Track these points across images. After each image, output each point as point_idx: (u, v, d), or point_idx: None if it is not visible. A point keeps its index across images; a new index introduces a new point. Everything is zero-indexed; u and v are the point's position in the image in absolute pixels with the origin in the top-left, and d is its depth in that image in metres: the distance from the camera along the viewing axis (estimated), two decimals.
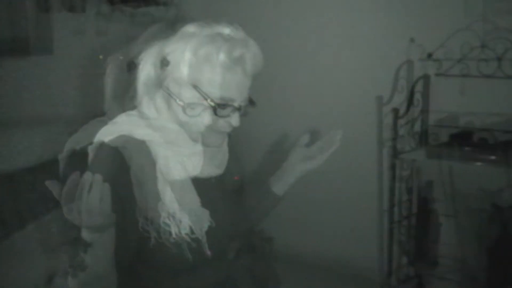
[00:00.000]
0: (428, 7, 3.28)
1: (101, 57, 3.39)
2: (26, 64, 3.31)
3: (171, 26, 1.51)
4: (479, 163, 2.96)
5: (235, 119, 1.45)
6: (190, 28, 1.45)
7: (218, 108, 1.41)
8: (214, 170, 1.53)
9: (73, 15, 3.50)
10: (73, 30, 3.52)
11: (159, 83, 1.48)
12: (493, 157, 2.94)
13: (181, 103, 1.43)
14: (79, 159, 1.55)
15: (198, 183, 1.47)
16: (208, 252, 1.45)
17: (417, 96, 3.35)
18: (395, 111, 3.24)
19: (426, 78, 3.34)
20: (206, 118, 1.44)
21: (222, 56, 1.38)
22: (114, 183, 1.36)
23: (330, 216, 3.87)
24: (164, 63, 1.44)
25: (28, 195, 2.90)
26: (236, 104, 1.44)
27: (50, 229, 2.74)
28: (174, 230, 1.41)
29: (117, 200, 1.38)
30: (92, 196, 1.30)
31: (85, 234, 1.34)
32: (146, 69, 1.51)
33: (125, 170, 1.42)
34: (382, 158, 3.33)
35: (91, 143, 1.44)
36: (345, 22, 3.60)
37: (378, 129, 3.28)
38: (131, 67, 1.45)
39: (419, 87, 3.35)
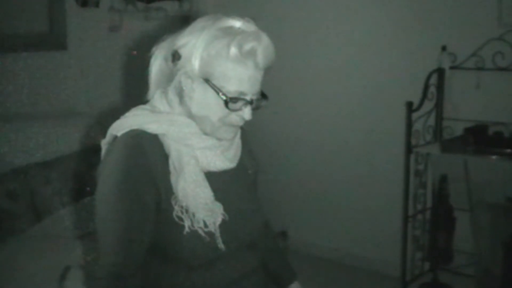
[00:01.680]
0: (461, 16, 3.27)
1: (134, 52, 3.42)
2: (40, 59, 3.33)
3: (184, 20, 1.51)
4: (494, 157, 2.95)
5: (247, 113, 1.45)
6: (201, 21, 1.44)
7: (230, 102, 1.41)
8: (227, 163, 1.52)
9: (87, 10, 3.52)
10: (87, 25, 3.53)
11: (171, 77, 1.48)
12: (508, 151, 2.92)
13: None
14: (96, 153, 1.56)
15: (211, 177, 1.47)
16: (222, 246, 1.45)
17: (432, 89, 3.33)
18: (409, 104, 3.23)
19: (440, 71, 3.32)
20: (218, 111, 1.44)
21: (233, 50, 1.38)
22: (147, 172, 1.40)
23: (346, 211, 3.87)
24: (175, 57, 1.44)
25: (44, 189, 2.93)
26: (248, 98, 1.43)
27: (65, 223, 2.76)
28: (187, 223, 1.42)
29: (150, 188, 1.40)
30: None
31: None
32: (157, 63, 1.52)
33: (164, 158, 1.44)
34: (409, 164, 3.30)
35: (132, 130, 1.45)
36: (378, 28, 3.61)
37: (407, 135, 3.25)
38: (176, 57, 1.45)
39: (433, 81, 3.34)
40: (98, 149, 1.54)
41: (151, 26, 3.68)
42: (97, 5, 3.56)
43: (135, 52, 3.37)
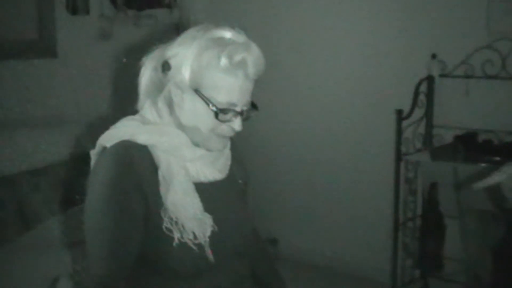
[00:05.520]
0: (450, 25, 3.28)
1: (124, 60, 3.41)
2: (30, 67, 3.32)
3: (175, 28, 1.51)
4: (483, 165, 2.96)
5: (237, 124, 1.44)
6: (191, 32, 1.44)
7: (220, 113, 1.41)
8: (217, 174, 1.52)
9: (77, 17, 3.51)
10: (77, 33, 3.52)
11: (160, 87, 1.48)
12: (497, 158, 2.93)
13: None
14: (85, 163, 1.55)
15: (201, 187, 1.47)
16: (211, 258, 1.44)
17: (421, 97, 3.34)
18: (399, 112, 3.24)
19: (430, 79, 3.33)
20: (208, 122, 1.43)
21: (223, 60, 1.38)
22: (136, 183, 1.40)
23: (336, 218, 3.87)
24: (165, 67, 1.44)
25: (32, 197, 2.91)
26: (238, 109, 1.43)
27: (54, 232, 2.74)
28: (176, 235, 1.41)
29: (139, 199, 1.40)
30: None
31: None
32: (147, 73, 1.51)
33: (153, 170, 1.43)
34: (399, 171, 3.30)
35: (122, 141, 1.44)
36: (368, 36, 3.62)
37: (397, 143, 3.26)
38: (166, 67, 1.45)
39: (423, 88, 3.35)
40: (87, 157, 1.53)
41: (142, 34, 3.67)
42: (87, 12, 3.55)
43: (125, 60, 3.36)
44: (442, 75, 3.30)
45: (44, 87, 3.37)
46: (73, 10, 3.48)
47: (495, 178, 1.62)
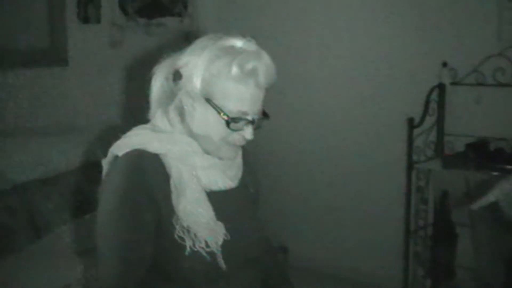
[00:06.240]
0: (461, 32, 3.28)
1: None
2: (41, 75, 3.33)
3: (185, 36, 1.52)
4: (495, 173, 2.94)
5: (248, 132, 1.45)
6: (202, 41, 1.45)
7: (231, 121, 1.41)
8: (229, 182, 1.52)
9: (88, 26, 3.52)
10: (88, 41, 3.54)
11: (172, 96, 1.48)
12: (509, 167, 2.91)
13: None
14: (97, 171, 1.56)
15: (213, 196, 1.47)
16: (223, 266, 1.44)
17: (433, 105, 3.33)
18: (410, 120, 3.23)
19: (441, 87, 3.32)
20: (220, 131, 1.43)
21: (234, 69, 1.38)
22: (148, 191, 1.40)
23: (347, 227, 3.86)
24: (176, 76, 1.45)
25: (44, 206, 2.92)
26: (249, 117, 1.43)
27: (65, 240, 2.75)
28: (188, 243, 1.41)
29: (151, 208, 1.40)
30: None
31: None
32: (158, 82, 1.52)
33: (165, 178, 1.43)
34: (411, 180, 3.29)
35: (133, 150, 1.44)
36: (379, 44, 3.62)
37: (408, 151, 3.25)
38: (177, 76, 1.45)
39: (434, 96, 3.34)
40: (98, 165, 1.54)
41: (152, 42, 3.68)
42: (98, 21, 3.57)
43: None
44: (453, 83, 3.29)
45: (55, 95, 3.39)
46: (84, 18, 3.50)
47: (492, 196, 1.63)
